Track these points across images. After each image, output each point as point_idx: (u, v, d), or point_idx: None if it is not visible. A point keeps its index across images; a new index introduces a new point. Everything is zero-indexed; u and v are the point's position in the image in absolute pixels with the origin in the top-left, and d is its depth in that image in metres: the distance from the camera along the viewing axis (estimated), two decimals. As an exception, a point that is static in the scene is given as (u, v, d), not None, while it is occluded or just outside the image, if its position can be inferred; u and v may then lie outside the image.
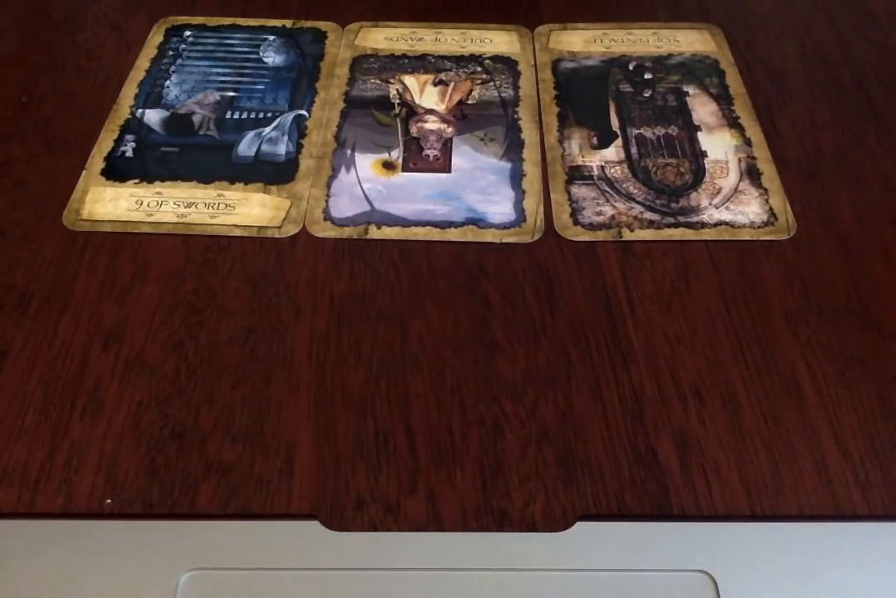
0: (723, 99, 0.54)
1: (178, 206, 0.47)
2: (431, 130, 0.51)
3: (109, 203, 0.47)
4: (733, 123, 0.52)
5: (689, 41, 0.58)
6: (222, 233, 0.46)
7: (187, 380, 0.40)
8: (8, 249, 0.45)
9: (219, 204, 0.47)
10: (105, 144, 0.50)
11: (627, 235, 0.46)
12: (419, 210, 0.47)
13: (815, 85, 0.55)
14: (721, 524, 0.35)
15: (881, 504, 0.35)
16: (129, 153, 0.50)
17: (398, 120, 0.52)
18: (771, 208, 0.47)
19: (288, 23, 0.59)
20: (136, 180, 0.48)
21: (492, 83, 0.55)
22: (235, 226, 0.46)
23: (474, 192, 0.48)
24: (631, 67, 0.56)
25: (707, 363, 0.40)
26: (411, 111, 0.53)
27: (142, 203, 0.47)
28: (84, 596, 0.33)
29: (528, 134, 0.51)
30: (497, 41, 0.58)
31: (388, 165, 0.49)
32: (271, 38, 0.58)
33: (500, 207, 0.47)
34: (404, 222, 0.46)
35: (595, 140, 0.51)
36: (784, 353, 0.41)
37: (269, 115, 0.52)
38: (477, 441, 0.37)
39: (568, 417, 0.38)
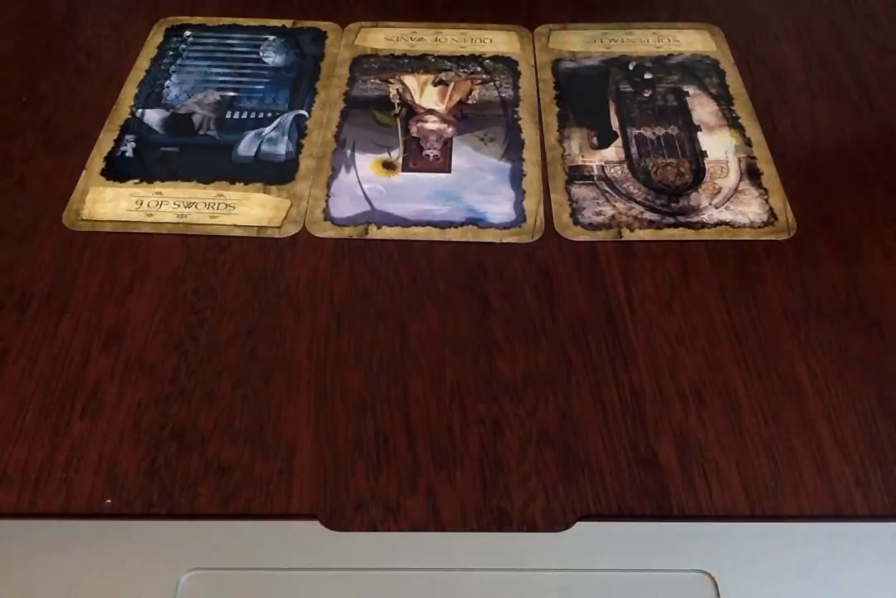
0: (723, 99, 0.54)
1: (178, 206, 0.47)
2: (431, 130, 0.51)
3: (109, 203, 0.47)
4: (733, 123, 0.52)
5: (689, 41, 0.58)
6: (222, 233, 0.46)
7: (187, 380, 0.40)
8: (8, 249, 0.45)
9: (219, 204, 0.47)
10: (105, 144, 0.50)
11: (627, 235, 0.46)
12: (419, 210, 0.47)
13: (815, 85, 0.55)
14: (721, 524, 0.35)
15: (881, 504, 0.35)
16: (129, 153, 0.50)
17: (398, 120, 0.52)
18: (771, 208, 0.47)
19: (288, 23, 0.59)
20: (137, 180, 0.48)
21: (492, 83, 0.55)
22: (235, 226, 0.46)
23: (474, 192, 0.48)
24: (631, 67, 0.56)
25: (707, 363, 0.40)
26: (411, 111, 0.53)
27: (142, 203, 0.47)
28: (84, 596, 0.33)
29: (528, 134, 0.51)
30: (497, 41, 0.58)
31: (388, 165, 0.49)
32: (271, 38, 0.58)
33: (500, 207, 0.47)
34: (404, 222, 0.46)
35: (595, 140, 0.51)
36: (784, 353, 0.41)
37: (269, 115, 0.52)
38: (477, 441, 0.37)
39: (568, 417, 0.38)
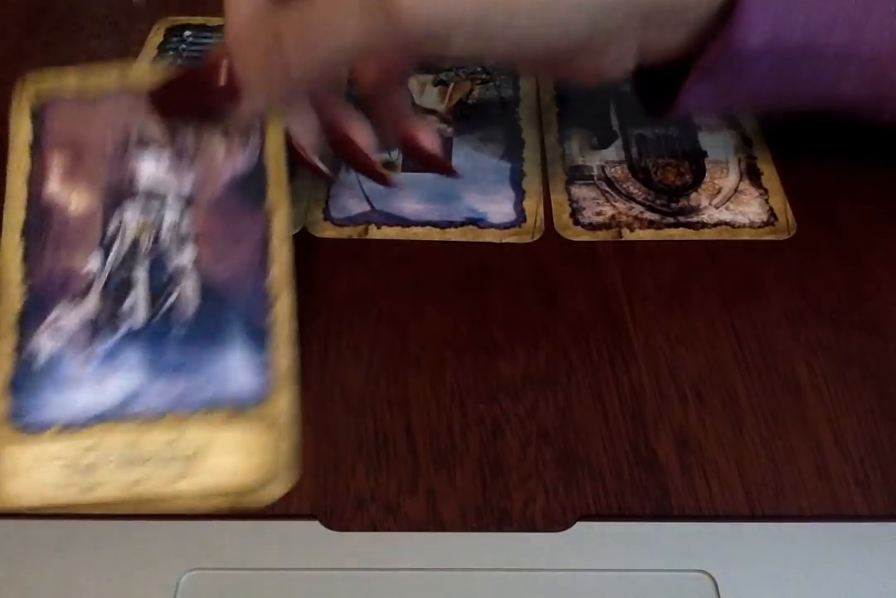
0: (723, 99, 0.53)
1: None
2: (431, 130, 0.51)
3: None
4: (733, 123, 0.52)
5: (689, 41, 0.58)
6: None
7: (187, 380, 0.40)
8: (8, 249, 0.45)
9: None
10: (105, 144, 0.50)
11: (627, 235, 0.46)
12: (419, 210, 0.47)
13: (815, 85, 0.55)
14: (721, 524, 0.35)
15: (881, 504, 0.35)
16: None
17: (398, 120, 0.52)
18: (771, 208, 0.47)
19: (288, 23, 0.59)
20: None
21: (492, 83, 0.55)
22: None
23: (474, 192, 0.48)
24: (631, 67, 0.56)
25: (707, 363, 0.40)
26: (411, 111, 0.53)
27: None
28: (84, 596, 0.33)
29: (528, 134, 0.51)
30: (497, 41, 0.57)
31: (388, 165, 0.49)
32: (271, 38, 0.58)
33: (500, 207, 0.47)
34: (404, 222, 0.46)
35: (595, 140, 0.51)
36: (784, 353, 0.41)
37: (269, 115, 0.52)
38: (477, 441, 0.37)
39: (568, 417, 0.38)
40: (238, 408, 0.34)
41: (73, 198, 0.36)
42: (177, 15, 0.59)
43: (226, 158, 0.37)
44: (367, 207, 0.47)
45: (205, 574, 0.33)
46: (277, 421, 0.34)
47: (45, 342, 0.35)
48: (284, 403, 0.34)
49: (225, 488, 0.33)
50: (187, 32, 0.58)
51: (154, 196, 0.36)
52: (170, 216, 0.36)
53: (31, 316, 0.35)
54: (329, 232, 0.46)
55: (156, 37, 0.58)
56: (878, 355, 0.41)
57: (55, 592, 0.33)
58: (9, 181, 0.37)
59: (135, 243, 0.35)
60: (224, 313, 0.35)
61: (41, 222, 0.36)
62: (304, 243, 0.45)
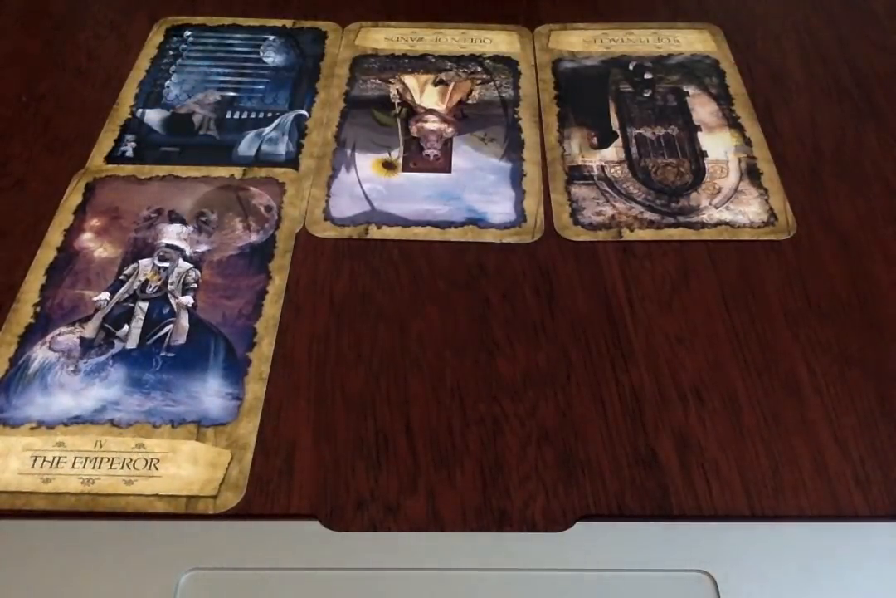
0: (723, 99, 0.54)
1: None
2: (431, 130, 0.51)
3: None
4: (733, 123, 0.52)
5: (689, 41, 0.58)
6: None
7: (187, 380, 0.40)
8: (8, 249, 0.45)
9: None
10: (105, 143, 0.50)
11: (627, 235, 0.46)
12: (419, 210, 0.47)
13: (815, 85, 0.55)
14: (721, 524, 0.35)
15: (881, 504, 0.35)
16: (130, 153, 0.50)
17: (398, 120, 0.52)
18: (771, 208, 0.47)
19: (288, 23, 0.59)
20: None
21: (492, 83, 0.55)
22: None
23: (474, 192, 0.48)
24: (631, 67, 0.56)
25: (707, 363, 0.40)
26: (411, 111, 0.53)
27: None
28: (84, 596, 0.33)
29: (528, 134, 0.51)
30: (497, 41, 0.58)
31: (389, 165, 0.49)
32: (271, 38, 0.58)
33: (500, 207, 0.47)
34: (404, 222, 0.46)
35: (595, 140, 0.51)
36: (784, 353, 0.41)
37: (270, 115, 0.52)
38: (477, 441, 0.37)
39: (568, 417, 0.38)
40: (204, 426, 0.37)
41: (100, 247, 0.43)
42: (177, 15, 0.59)
43: (243, 232, 0.44)
44: (367, 207, 0.47)
45: (205, 574, 0.33)
46: (237, 443, 0.37)
47: (42, 352, 0.39)
48: (247, 430, 0.37)
49: (176, 494, 0.35)
50: (187, 32, 0.58)
51: (171, 251, 0.42)
52: (181, 268, 0.42)
53: (36, 331, 0.40)
54: (329, 232, 0.46)
55: (156, 37, 0.58)
56: (878, 355, 0.41)
57: (55, 592, 0.33)
58: (49, 232, 0.44)
59: (144, 284, 0.41)
60: (212, 344, 0.40)
61: (67, 263, 0.42)
62: (304, 243, 0.45)
